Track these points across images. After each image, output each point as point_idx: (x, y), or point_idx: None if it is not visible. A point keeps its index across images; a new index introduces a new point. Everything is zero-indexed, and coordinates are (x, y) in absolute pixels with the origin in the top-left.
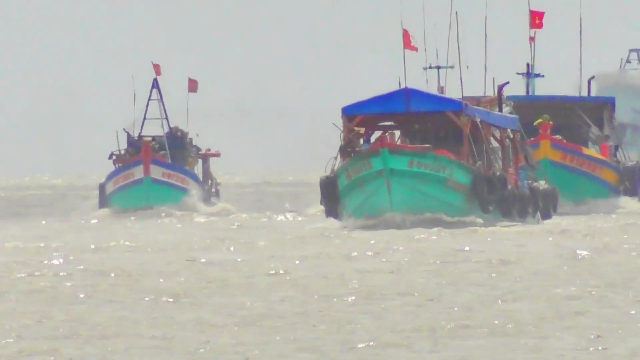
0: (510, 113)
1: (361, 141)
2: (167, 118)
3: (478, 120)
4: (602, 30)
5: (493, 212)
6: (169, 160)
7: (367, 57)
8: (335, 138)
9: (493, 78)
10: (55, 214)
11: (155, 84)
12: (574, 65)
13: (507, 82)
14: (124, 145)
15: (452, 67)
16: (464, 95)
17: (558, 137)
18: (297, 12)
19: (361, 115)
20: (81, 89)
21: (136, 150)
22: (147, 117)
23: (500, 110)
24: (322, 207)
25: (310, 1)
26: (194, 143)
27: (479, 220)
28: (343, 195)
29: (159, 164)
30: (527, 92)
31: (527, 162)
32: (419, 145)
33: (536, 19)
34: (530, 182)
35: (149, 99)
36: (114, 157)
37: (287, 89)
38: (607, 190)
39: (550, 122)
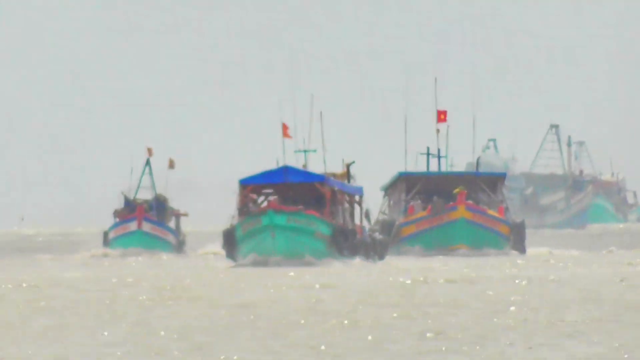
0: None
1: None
2: (154, 187)
3: (336, 189)
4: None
5: (346, 255)
6: (155, 218)
7: (255, 141)
8: (233, 201)
9: (342, 159)
10: (72, 250)
11: (147, 162)
12: (467, 149)
13: (354, 162)
14: (122, 204)
15: (315, 150)
16: (326, 170)
17: (470, 201)
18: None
19: (252, 185)
20: (89, 162)
21: (132, 209)
22: (140, 185)
23: (349, 181)
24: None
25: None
26: (170, 205)
27: (336, 261)
28: (239, 242)
29: (148, 221)
30: (439, 168)
31: (367, 219)
32: (294, 207)
33: (441, 115)
34: (370, 233)
35: (142, 173)
36: (116, 212)
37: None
38: (504, 240)
39: (465, 191)
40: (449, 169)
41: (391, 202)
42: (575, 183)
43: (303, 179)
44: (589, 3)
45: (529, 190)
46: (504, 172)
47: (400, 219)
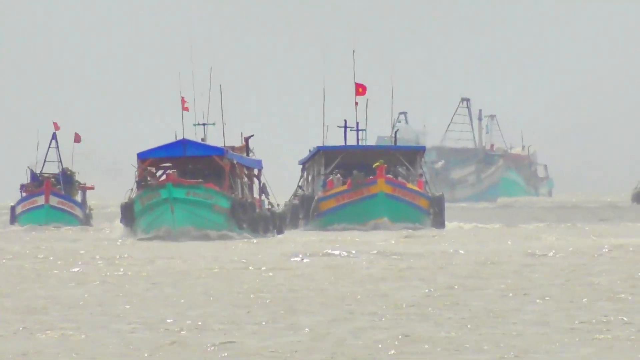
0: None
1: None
2: (60, 161)
3: (235, 162)
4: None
5: (246, 229)
6: (63, 192)
7: (153, 115)
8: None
9: (241, 132)
10: None
11: (54, 136)
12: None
13: (252, 135)
14: (28, 179)
15: (214, 124)
16: (225, 144)
17: (390, 175)
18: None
19: (151, 159)
20: None
21: (39, 184)
22: (47, 159)
23: (248, 154)
24: (121, 225)
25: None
26: (76, 179)
27: (235, 235)
28: (138, 216)
29: (56, 195)
30: (357, 142)
31: (265, 193)
32: (193, 180)
33: (359, 88)
34: (270, 207)
35: (49, 147)
36: (23, 187)
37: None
38: (424, 214)
39: (385, 165)
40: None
41: (310, 176)
42: (486, 157)
43: (202, 152)
44: None
45: (440, 164)
46: (423, 145)
47: (319, 194)
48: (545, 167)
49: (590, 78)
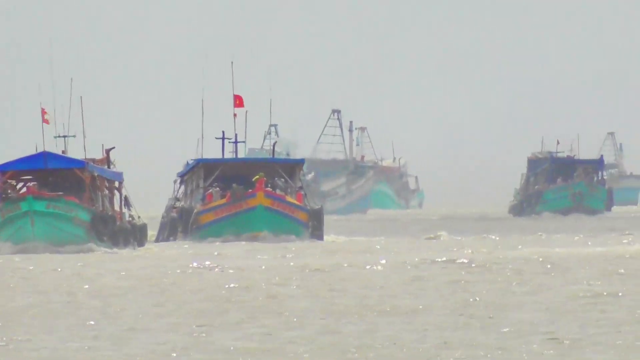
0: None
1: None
2: None
3: (95, 174)
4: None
5: (106, 242)
6: None
7: (13, 127)
8: None
9: (102, 144)
10: None
11: None
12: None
13: (114, 147)
14: None
15: (74, 136)
16: (86, 156)
17: (269, 188)
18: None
19: (11, 171)
20: None
21: None
22: None
23: (109, 167)
24: None
25: None
26: None
27: (96, 247)
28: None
29: None
30: (236, 154)
31: (127, 205)
32: (54, 193)
33: (237, 100)
34: (131, 219)
35: None
36: None
37: None
38: (303, 227)
39: (264, 178)
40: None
41: (188, 189)
42: (357, 169)
43: (62, 165)
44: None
45: (310, 176)
46: (302, 158)
47: (198, 207)
48: (416, 178)
49: (460, 91)
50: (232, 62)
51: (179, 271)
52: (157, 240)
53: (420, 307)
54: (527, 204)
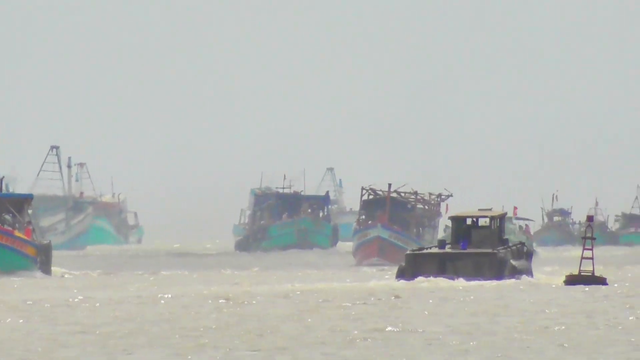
0: None
1: None
2: None
3: None
4: None
5: None
6: None
7: None
8: None
9: None
10: None
11: None
12: None
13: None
14: None
15: None
16: None
17: None
18: None
19: None
20: None
21: None
22: None
23: None
24: None
25: None
26: None
27: None
28: None
29: None
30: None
31: None
32: None
33: None
34: None
35: None
36: None
37: None
38: (31, 261)
39: None
40: None
41: None
42: (76, 204)
43: None
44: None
45: (30, 212)
46: (31, 193)
47: None
48: (136, 214)
49: (169, 126)
50: None
51: None
52: None
53: None
54: (252, 239)
